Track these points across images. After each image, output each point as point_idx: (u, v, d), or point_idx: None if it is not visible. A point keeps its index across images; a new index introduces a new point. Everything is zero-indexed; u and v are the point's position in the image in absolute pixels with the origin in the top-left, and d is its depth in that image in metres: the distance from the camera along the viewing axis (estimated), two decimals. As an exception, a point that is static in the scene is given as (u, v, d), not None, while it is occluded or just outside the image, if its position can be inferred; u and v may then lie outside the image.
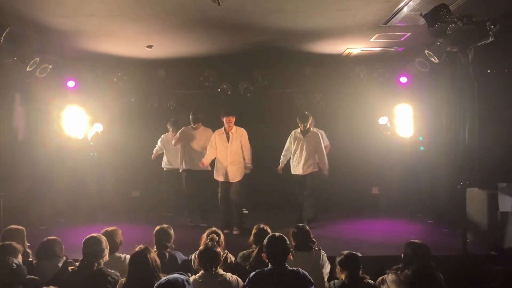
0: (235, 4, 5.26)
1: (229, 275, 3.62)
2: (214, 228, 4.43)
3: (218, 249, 3.70)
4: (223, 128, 6.93)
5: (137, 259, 3.36)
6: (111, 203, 8.69)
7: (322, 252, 4.18)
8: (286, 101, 8.81)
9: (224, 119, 6.86)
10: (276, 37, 6.78)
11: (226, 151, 6.83)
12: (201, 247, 3.73)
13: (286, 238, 3.57)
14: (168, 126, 8.11)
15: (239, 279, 3.65)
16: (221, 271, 3.61)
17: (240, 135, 6.88)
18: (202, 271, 3.57)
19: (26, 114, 7.48)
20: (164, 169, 8.18)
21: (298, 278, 3.36)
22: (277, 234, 3.60)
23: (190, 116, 7.23)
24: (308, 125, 7.11)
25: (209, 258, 3.58)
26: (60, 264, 3.83)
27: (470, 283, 3.61)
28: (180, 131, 7.35)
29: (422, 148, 8.30)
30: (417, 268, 3.45)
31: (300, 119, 7.09)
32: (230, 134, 6.87)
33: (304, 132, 7.13)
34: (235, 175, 6.84)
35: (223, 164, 6.85)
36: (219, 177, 6.90)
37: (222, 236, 4.36)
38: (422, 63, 7.64)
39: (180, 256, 4.35)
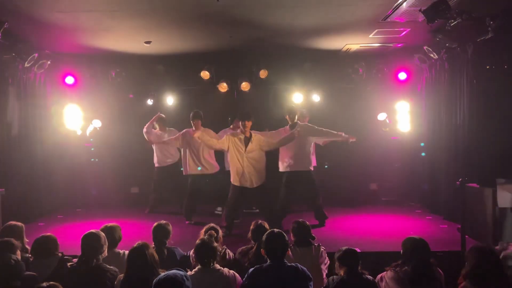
0: None
1: (226, 270, 3.62)
2: (212, 224, 4.42)
3: (215, 244, 3.69)
4: (239, 131, 6.38)
5: (135, 255, 3.36)
6: (110, 199, 8.69)
7: (321, 248, 4.18)
8: (285, 97, 8.79)
9: (240, 123, 6.34)
10: (275, 32, 6.76)
11: (243, 158, 6.29)
12: (197, 242, 3.72)
13: (285, 234, 3.57)
14: (155, 123, 7.88)
15: (236, 274, 3.65)
16: (218, 266, 3.61)
17: (258, 142, 6.32)
18: (198, 266, 3.57)
19: (24, 110, 7.45)
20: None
21: (297, 274, 3.36)
22: (276, 230, 3.60)
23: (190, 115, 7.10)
24: (296, 119, 6.70)
25: (206, 252, 3.58)
26: (56, 262, 3.82)
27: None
28: (182, 133, 7.18)
29: (423, 154, 8.28)
30: (416, 265, 3.45)
31: (288, 112, 6.68)
32: (248, 140, 6.29)
33: (292, 127, 6.68)
34: (256, 181, 6.36)
35: (239, 169, 6.35)
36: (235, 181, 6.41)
37: (220, 232, 4.36)
38: (421, 59, 7.65)
39: (179, 252, 4.35)
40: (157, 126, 7.93)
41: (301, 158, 6.65)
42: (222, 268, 3.63)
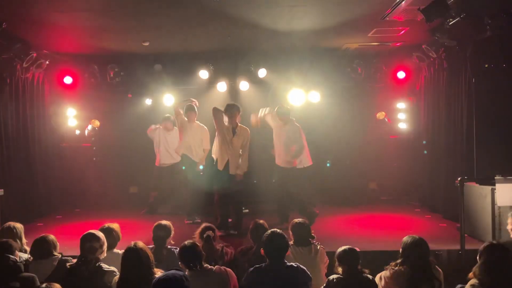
0: (232, -1, 5.24)
1: (216, 267, 3.59)
2: (207, 224, 4.41)
3: (198, 247, 3.63)
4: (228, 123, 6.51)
5: (129, 255, 3.34)
6: (109, 199, 8.68)
7: (321, 247, 4.18)
8: (284, 96, 8.78)
9: (227, 116, 6.46)
10: (273, 31, 6.74)
11: (228, 146, 6.46)
12: (180, 246, 3.67)
13: (285, 234, 3.56)
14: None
15: (229, 270, 3.62)
16: (208, 266, 3.58)
17: (244, 135, 6.52)
18: (187, 270, 3.53)
19: (23, 110, 7.44)
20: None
21: (297, 273, 3.36)
22: (277, 230, 3.58)
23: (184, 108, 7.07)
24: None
25: (189, 256, 3.54)
26: (55, 263, 3.81)
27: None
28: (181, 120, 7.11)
29: (425, 152, 8.25)
30: (416, 263, 3.45)
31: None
32: (235, 130, 6.48)
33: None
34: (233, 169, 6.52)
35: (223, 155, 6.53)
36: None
37: (216, 231, 4.36)
38: (420, 58, 7.65)
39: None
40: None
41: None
42: (213, 267, 3.60)
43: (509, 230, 4.39)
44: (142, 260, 3.30)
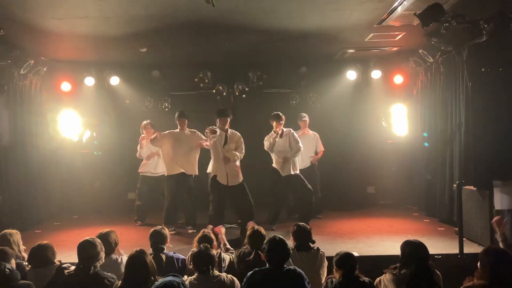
0: (229, 5, 5.25)
1: (224, 275, 3.63)
2: (205, 232, 4.43)
3: (213, 251, 3.69)
4: (218, 128, 6.50)
5: (134, 262, 3.33)
6: (107, 205, 8.65)
7: (321, 251, 4.18)
8: (281, 101, 8.80)
9: (219, 121, 6.50)
10: (270, 37, 6.77)
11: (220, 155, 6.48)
12: (194, 249, 3.72)
13: (286, 242, 3.56)
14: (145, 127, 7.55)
15: (235, 279, 3.65)
16: (216, 272, 3.61)
17: (236, 139, 6.57)
18: (196, 273, 3.56)
19: (20, 117, 7.43)
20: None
21: (295, 277, 3.37)
22: (277, 237, 3.58)
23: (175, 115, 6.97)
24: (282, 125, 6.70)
25: (204, 260, 3.57)
26: (53, 270, 3.80)
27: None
28: (166, 133, 6.94)
29: (426, 144, 8.15)
30: (416, 268, 3.44)
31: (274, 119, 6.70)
32: (227, 136, 6.51)
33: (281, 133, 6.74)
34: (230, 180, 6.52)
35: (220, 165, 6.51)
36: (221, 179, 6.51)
37: (214, 239, 4.37)
38: (417, 62, 7.68)
39: (177, 257, 4.32)
40: (144, 131, 7.61)
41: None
42: (221, 274, 3.63)
43: None
44: (146, 268, 3.30)
